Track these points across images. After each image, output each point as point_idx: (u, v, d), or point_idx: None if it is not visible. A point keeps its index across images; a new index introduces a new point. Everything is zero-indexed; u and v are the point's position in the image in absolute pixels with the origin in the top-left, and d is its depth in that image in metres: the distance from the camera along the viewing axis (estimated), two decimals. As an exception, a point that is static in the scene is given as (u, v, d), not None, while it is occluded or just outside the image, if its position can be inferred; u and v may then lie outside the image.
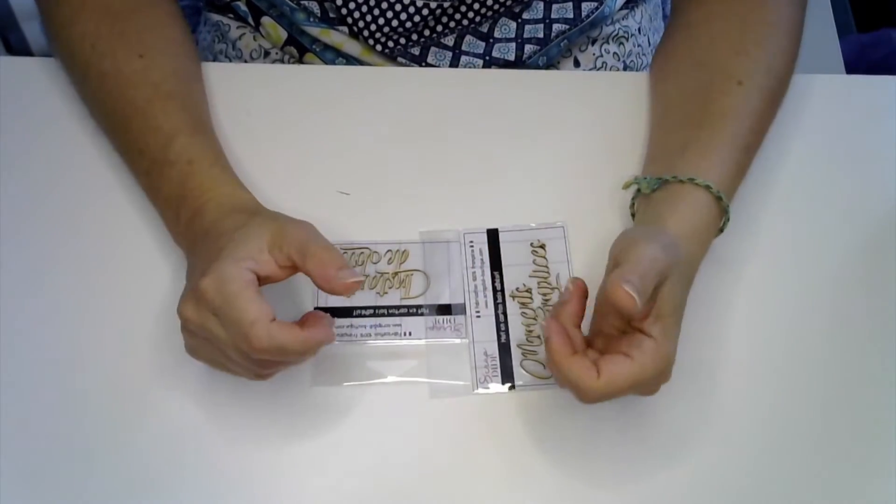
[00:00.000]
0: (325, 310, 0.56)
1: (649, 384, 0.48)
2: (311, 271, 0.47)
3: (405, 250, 0.59)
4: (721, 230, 0.56)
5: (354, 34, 0.67)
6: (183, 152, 0.54)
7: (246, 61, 0.73)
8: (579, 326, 0.50)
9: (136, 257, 0.57)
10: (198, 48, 0.78)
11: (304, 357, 0.49)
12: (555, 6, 0.69)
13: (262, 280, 0.47)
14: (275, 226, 0.49)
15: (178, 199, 0.53)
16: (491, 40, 0.69)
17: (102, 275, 0.57)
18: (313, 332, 0.47)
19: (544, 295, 0.58)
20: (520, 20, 0.69)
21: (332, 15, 0.67)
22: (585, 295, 0.50)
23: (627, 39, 0.74)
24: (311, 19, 0.68)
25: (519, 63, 0.69)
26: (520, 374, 0.55)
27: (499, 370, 0.55)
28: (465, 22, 0.67)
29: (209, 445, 0.52)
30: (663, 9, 0.84)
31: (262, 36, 0.72)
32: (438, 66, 0.68)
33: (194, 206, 0.52)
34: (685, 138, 0.58)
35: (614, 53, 0.74)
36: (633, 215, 0.58)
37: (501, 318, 0.57)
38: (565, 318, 0.49)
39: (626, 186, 0.59)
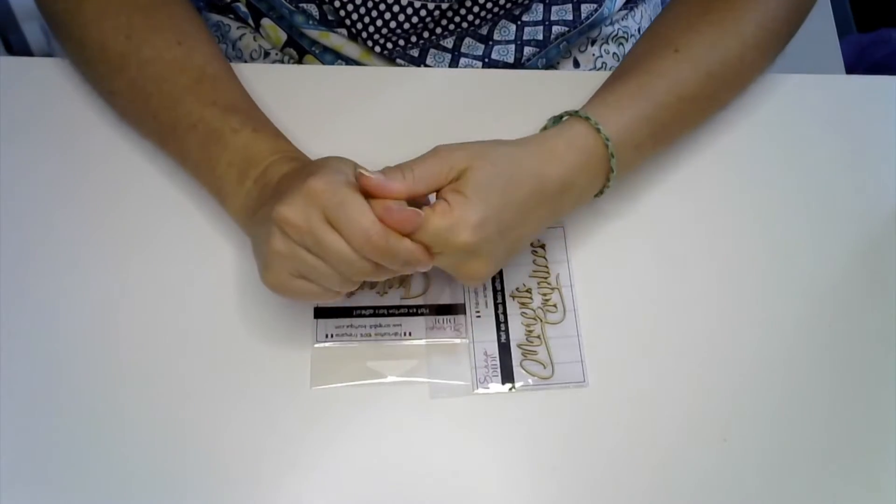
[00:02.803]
0: (325, 310, 0.56)
1: (438, 241, 0.48)
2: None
3: (405, 250, 0.59)
4: (612, 170, 0.55)
5: (353, 36, 0.67)
6: (246, 122, 0.55)
7: (246, 62, 0.73)
8: None
9: (137, 255, 0.57)
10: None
11: (403, 269, 0.49)
12: (554, 8, 0.69)
13: None
14: (355, 165, 0.50)
15: (244, 162, 0.54)
16: (490, 42, 0.69)
17: (101, 273, 0.57)
18: (419, 251, 0.48)
19: (544, 295, 0.58)
20: (519, 22, 0.69)
21: (330, 17, 0.67)
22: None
23: (627, 40, 0.74)
24: (311, 22, 0.68)
25: (518, 65, 0.69)
26: (520, 374, 0.55)
27: (499, 370, 0.55)
28: (465, 24, 0.67)
29: (209, 445, 0.52)
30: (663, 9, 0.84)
31: (263, 37, 0.72)
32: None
33: (265, 163, 0.53)
34: (602, 88, 0.59)
35: (614, 54, 0.74)
36: None
37: (501, 318, 0.57)
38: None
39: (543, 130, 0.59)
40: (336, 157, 0.51)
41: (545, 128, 0.58)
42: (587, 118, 0.54)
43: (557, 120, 0.57)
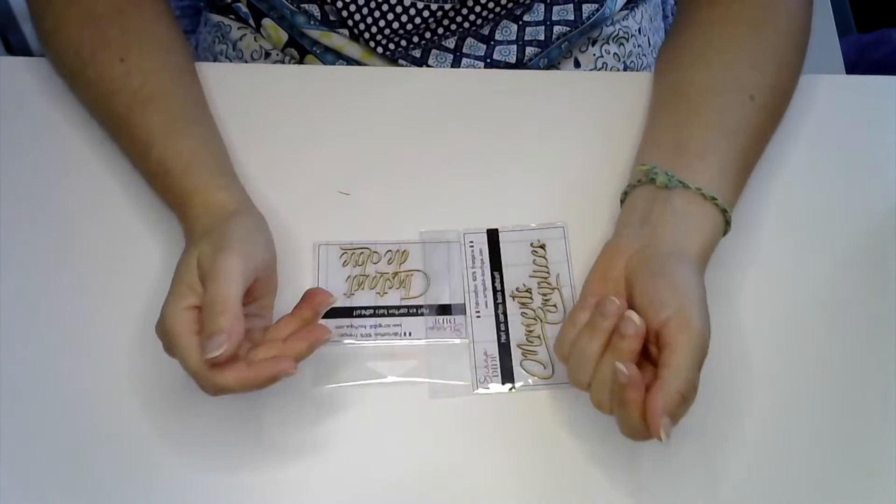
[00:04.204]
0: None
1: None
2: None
3: (405, 250, 0.59)
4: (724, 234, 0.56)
5: (355, 37, 0.67)
6: (159, 163, 0.55)
7: (247, 62, 0.73)
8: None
9: (136, 257, 0.57)
10: (198, 49, 0.78)
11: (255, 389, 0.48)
12: (555, 8, 0.69)
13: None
14: (206, 252, 0.49)
15: (174, 207, 0.55)
16: (492, 43, 0.69)
17: (101, 275, 0.57)
18: (261, 369, 0.47)
19: (544, 295, 0.58)
20: (521, 22, 0.69)
21: (332, 18, 0.67)
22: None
23: (628, 40, 0.74)
24: (312, 22, 0.68)
25: (520, 65, 0.69)
26: (520, 374, 0.55)
27: (499, 370, 0.55)
28: (466, 24, 0.67)
29: (209, 445, 0.52)
30: (663, 9, 0.84)
31: (263, 37, 0.72)
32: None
33: (188, 216, 0.54)
34: (700, 143, 0.57)
35: (615, 54, 0.74)
36: (625, 193, 0.57)
37: (501, 318, 0.57)
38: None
39: (642, 170, 0.56)
40: (191, 256, 0.49)
41: (648, 179, 0.55)
42: (724, 210, 0.54)
43: (681, 185, 0.54)
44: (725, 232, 0.55)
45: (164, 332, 0.48)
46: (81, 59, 0.58)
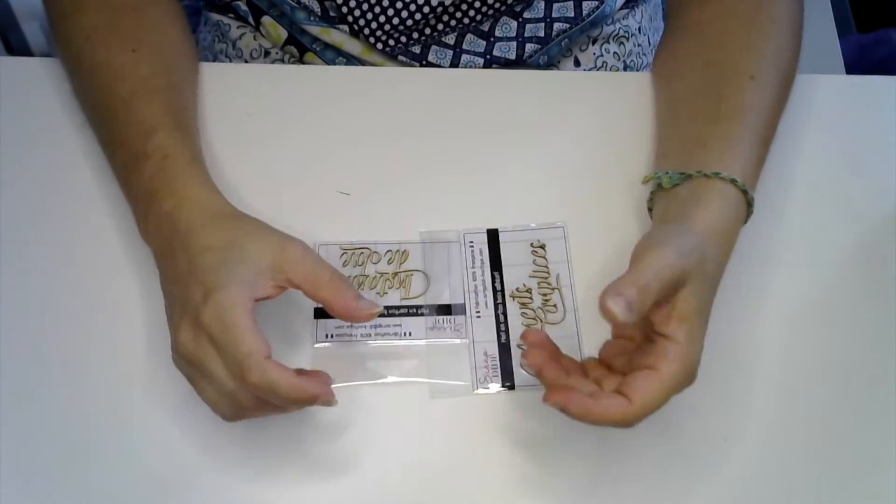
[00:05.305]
0: (325, 310, 0.56)
1: (680, 389, 0.46)
2: (329, 301, 0.47)
3: (405, 250, 0.59)
4: (744, 221, 0.55)
5: (355, 33, 0.67)
6: (160, 147, 0.54)
7: (246, 61, 0.73)
8: (559, 364, 0.48)
9: (137, 259, 0.57)
10: (198, 48, 0.78)
11: (291, 406, 0.46)
12: (555, 5, 0.69)
13: (257, 300, 0.47)
14: (273, 248, 0.48)
15: (148, 195, 0.52)
16: (492, 39, 0.69)
17: (103, 277, 0.57)
18: (309, 383, 0.45)
19: (544, 295, 0.58)
20: (521, 19, 0.69)
21: (332, 14, 0.67)
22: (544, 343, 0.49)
23: (628, 39, 0.74)
24: (312, 18, 0.68)
25: (520, 62, 0.69)
26: (520, 374, 0.55)
27: (499, 370, 0.55)
28: (466, 20, 0.67)
29: (208, 445, 0.52)
30: (663, 9, 0.84)
31: (263, 35, 0.72)
32: (439, 65, 0.68)
33: (165, 206, 0.51)
34: (702, 133, 0.57)
35: (614, 53, 0.74)
36: (650, 210, 0.57)
37: (501, 318, 0.57)
38: (555, 369, 0.47)
39: (646, 181, 0.57)
40: (253, 252, 0.48)
41: (657, 186, 0.56)
42: (744, 191, 0.53)
43: (683, 176, 0.54)
44: (748, 207, 0.54)
45: (218, 316, 0.44)
46: (92, 44, 0.58)
